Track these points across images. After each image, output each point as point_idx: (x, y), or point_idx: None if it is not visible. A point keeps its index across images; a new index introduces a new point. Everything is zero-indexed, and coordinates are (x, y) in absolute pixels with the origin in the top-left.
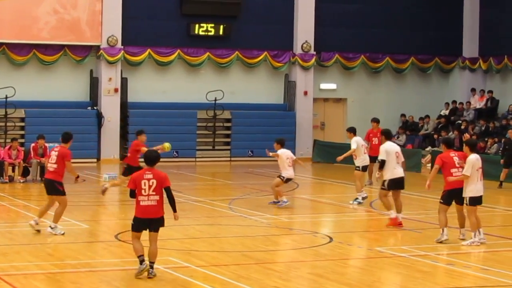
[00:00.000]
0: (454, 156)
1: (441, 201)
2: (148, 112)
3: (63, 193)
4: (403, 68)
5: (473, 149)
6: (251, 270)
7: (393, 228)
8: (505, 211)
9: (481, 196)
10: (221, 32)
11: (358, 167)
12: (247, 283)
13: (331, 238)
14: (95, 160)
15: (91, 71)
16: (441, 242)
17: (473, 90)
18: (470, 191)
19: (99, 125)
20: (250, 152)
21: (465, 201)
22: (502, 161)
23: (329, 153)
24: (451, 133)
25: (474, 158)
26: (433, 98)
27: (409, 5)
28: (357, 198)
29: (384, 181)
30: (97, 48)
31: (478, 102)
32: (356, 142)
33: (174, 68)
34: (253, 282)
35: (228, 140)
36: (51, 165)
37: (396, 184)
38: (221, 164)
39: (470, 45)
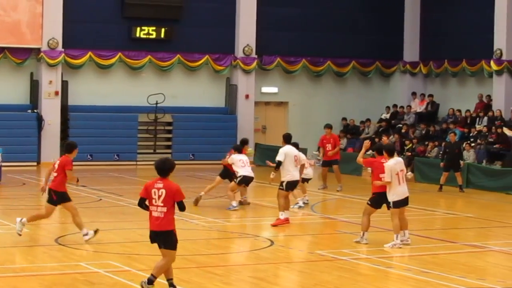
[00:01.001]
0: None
1: (369, 203)
2: (89, 115)
3: (54, 202)
4: (344, 72)
5: (391, 154)
6: (192, 274)
7: (281, 226)
8: (445, 214)
9: (405, 198)
10: (162, 35)
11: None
12: (188, 287)
13: (272, 242)
14: (35, 163)
15: (32, 74)
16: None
17: (413, 94)
18: (392, 195)
19: (39, 128)
20: (191, 156)
21: (390, 204)
22: (442, 164)
23: (270, 157)
24: (391, 136)
25: (391, 164)
26: (374, 102)
27: (351, 9)
28: (297, 203)
29: (283, 182)
30: (38, 50)
31: (418, 106)
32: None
33: (115, 71)
34: (194, 285)
35: (169, 143)
36: (53, 175)
37: (292, 186)
38: None
39: (410, 49)
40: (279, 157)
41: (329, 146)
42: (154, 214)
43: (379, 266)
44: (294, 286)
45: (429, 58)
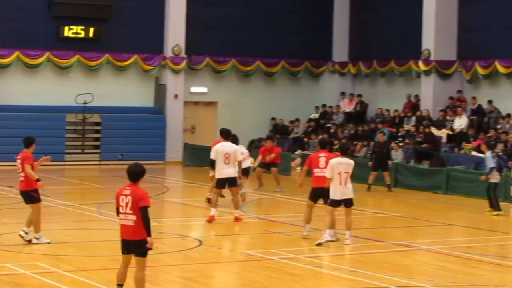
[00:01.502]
0: (322, 157)
1: (309, 196)
2: (17, 115)
3: (37, 200)
4: (273, 71)
5: (344, 153)
6: None
7: (211, 222)
8: (373, 213)
9: (342, 200)
10: (91, 35)
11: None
12: None
13: (200, 242)
14: None
15: None
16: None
17: (342, 94)
18: (331, 192)
19: None
20: (120, 156)
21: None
22: (370, 163)
23: (199, 157)
24: (320, 136)
25: (334, 162)
26: (303, 102)
27: (280, 9)
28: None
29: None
30: None
31: (347, 106)
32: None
33: (43, 70)
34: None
35: (98, 143)
36: (20, 175)
37: (223, 183)
38: (90, 168)
39: (339, 50)
40: (211, 156)
41: (270, 157)
42: (124, 222)
43: (308, 265)
44: (222, 286)
45: (358, 58)
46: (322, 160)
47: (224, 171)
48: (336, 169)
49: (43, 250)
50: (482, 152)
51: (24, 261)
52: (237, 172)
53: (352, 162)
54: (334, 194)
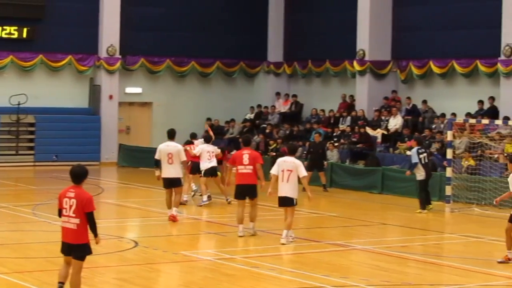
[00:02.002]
0: (245, 154)
1: (235, 195)
2: None
3: None
4: (208, 72)
5: (291, 152)
6: (56, 277)
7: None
8: (309, 213)
9: (284, 198)
10: (24, 35)
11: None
12: None
13: (136, 243)
14: None
15: None
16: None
17: (277, 94)
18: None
19: None
20: (54, 157)
21: None
22: (305, 163)
23: (134, 157)
24: (256, 136)
25: (281, 160)
26: (239, 102)
27: (215, 9)
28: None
29: None
30: None
31: (282, 106)
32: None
33: None
34: None
35: (32, 144)
36: None
37: (166, 183)
38: (24, 169)
39: (275, 50)
40: (156, 155)
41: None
42: (66, 225)
43: (244, 266)
44: (158, 287)
45: (293, 59)
46: (245, 157)
47: (167, 171)
48: (280, 166)
49: None
50: None
51: None
52: (181, 173)
53: (297, 162)
54: (278, 192)
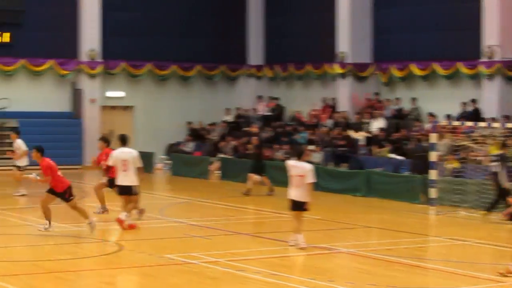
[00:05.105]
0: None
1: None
2: None
3: None
4: (189, 75)
5: (298, 156)
6: (42, 280)
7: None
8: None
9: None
10: (5, 40)
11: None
12: None
13: (121, 246)
14: None
15: None
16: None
17: (259, 97)
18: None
19: None
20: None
21: None
22: None
23: None
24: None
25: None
26: (220, 105)
27: (195, 13)
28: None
29: None
30: None
31: (264, 109)
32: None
33: None
34: None
35: None
36: None
37: (121, 191)
38: (8, 173)
39: (255, 53)
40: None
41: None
42: None
43: (229, 269)
44: None
45: (274, 62)
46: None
47: (121, 178)
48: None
49: None
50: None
51: None
52: (135, 180)
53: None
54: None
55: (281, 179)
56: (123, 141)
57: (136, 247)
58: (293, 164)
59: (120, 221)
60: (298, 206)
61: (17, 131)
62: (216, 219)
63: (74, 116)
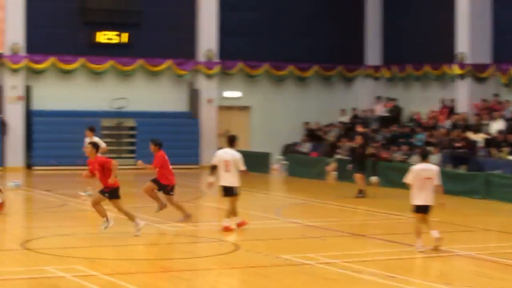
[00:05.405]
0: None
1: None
2: (53, 120)
3: None
4: (306, 76)
5: (425, 158)
6: (158, 278)
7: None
8: (409, 218)
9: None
10: (124, 40)
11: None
12: None
13: (237, 246)
14: None
15: None
16: None
17: (377, 98)
18: None
19: (3, 133)
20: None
21: None
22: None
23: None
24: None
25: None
26: (337, 106)
27: (312, 13)
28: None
29: None
30: (0, 56)
31: (381, 110)
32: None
33: (77, 76)
34: None
35: (133, 148)
36: None
37: (224, 191)
38: (125, 172)
39: (373, 53)
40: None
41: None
42: None
43: (344, 270)
44: None
45: (391, 62)
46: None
47: (223, 178)
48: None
49: (82, 253)
50: None
51: (63, 265)
52: (236, 182)
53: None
54: None
55: (398, 180)
56: (229, 142)
57: (252, 247)
58: (421, 168)
59: (227, 228)
60: (426, 210)
61: (92, 128)
62: (332, 220)
63: (191, 116)
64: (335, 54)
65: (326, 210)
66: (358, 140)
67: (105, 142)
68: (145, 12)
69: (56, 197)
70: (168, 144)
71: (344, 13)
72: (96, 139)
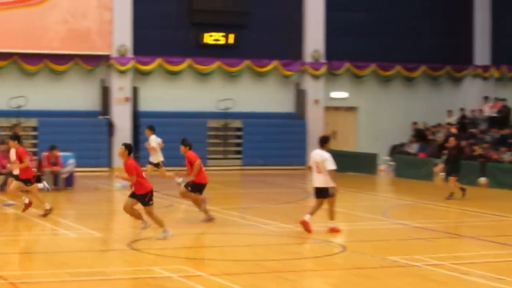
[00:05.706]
0: None
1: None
2: (159, 121)
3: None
4: (413, 76)
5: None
6: (264, 279)
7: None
8: None
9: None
10: (230, 41)
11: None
12: None
13: (344, 247)
14: (106, 168)
15: (102, 80)
16: None
17: (485, 98)
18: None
19: (110, 134)
20: (261, 161)
21: None
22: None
23: (341, 162)
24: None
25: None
26: (444, 106)
27: (419, 13)
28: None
29: None
30: (107, 57)
31: (490, 110)
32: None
33: (184, 77)
34: None
35: (240, 149)
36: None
37: (317, 193)
38: (232, 173)
39: (481, 53)
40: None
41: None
42: None
43: (453, 272)
44: None
45: (501, 62)
46: None
47: (314, 179)
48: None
49: (187, 253)
50: None
51: (170, 265)
52: (328, 182)
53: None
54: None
55: (507, 181)
56: (320, 142)
57: (358, 248)
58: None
59: (334, 229)
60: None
61: (151, 127)
62: (440, 221)
63: (297, 117)
64: (443, 54)
65: (433, 211)
66: (452, 141)
67: (211, 143)
68: (251, 13)
69: (163, 198)
70: (274, 145)
71: (452, 12)
72: (153, 138)
